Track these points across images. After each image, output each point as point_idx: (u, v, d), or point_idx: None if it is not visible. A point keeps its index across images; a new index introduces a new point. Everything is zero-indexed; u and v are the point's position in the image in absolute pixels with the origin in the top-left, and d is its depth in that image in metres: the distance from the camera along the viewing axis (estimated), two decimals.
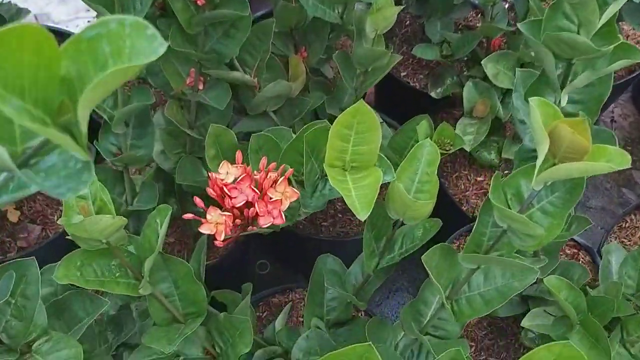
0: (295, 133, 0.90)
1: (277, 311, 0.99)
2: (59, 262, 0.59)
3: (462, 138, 0.88)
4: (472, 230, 0.57)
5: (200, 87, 0.82)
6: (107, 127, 0.78)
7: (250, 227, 0.56)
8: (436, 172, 0.61)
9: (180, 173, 0.82)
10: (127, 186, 0.83)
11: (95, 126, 0.81)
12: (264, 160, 0.57)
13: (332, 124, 0.68)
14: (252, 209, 0.54)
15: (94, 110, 0.81)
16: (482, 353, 0.97)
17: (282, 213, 0.55)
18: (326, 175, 0.65)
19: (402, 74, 1.28)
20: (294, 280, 1.22)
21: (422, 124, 0.84)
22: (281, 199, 0.55)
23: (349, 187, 0.56)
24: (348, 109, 0.54)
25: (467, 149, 0.97)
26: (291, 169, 0.57)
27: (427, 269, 0.57)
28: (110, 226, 0.58)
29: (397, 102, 1.26)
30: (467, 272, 0.60)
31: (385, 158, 0.60)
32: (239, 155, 0.58)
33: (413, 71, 1.28)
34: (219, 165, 0.79)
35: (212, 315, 0.71)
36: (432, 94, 1.15)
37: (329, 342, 0.70)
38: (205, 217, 0.55)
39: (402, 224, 0.62)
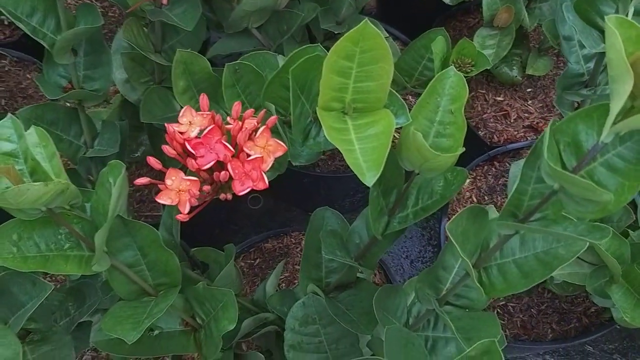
0: (284, 55, 0.76)
1: (270, 258, 0.88)
2: None
3: (485, 56, 0.73)
4: (511, 190, 0.44)
5: (164, 1, 0.67)
6: (51, 57, 0.63)
7: (223, 194, 0.43)
8: (463, 110, 0.47)
9: (147, 109, 0.68)
10: (84, 126, 0.69)
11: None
12: (237, 106, 0.44)
13: (326, 47, 0.53)
14: (224, 171, 0.41)
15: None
16: (501, 298, 0.87)
17: (265, 174, 0.42)
18: None
19: None
20: (289, 216, 1.11)
21: (438, 41, 0.69)
22: (262, 156, 0.42)
23: (350, 139, 0.42)
24: (348, 33, 0.40)
25: (488, 66, 0.82)
26: (274, 117, 0.44)
27: (451, 238, 0.45)
28: (45, 194, 0.45)
29: (403, 9, 1.09)
30: (501, 237, 0.47)
31: (397, 94, 0.46)
32: (203, 100, 0.44)
33: None
34: (190, 100, 0.66)
35: (191, 282, 0.60)
36: (446, 0, 0.98)
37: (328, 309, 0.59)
38: (163, 182, 0.42)
39: (418, 173, 0.50)
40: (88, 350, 0.81)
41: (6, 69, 0.99)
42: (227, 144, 0.41)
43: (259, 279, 0.86)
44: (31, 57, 1.00)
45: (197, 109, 0.72)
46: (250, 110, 0.44)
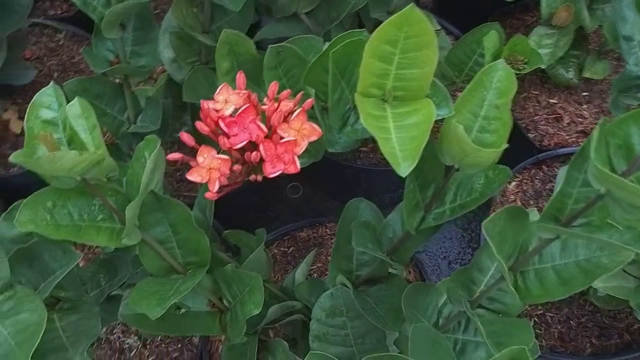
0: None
1: (304, 247, 0.87)
2: (23, 202, 0.48)
3: (539, 53, 0.70)
4: (555, 191, 0.42)
5: None
6: (100, 31, 0.64)
7: (253, 175, 0.42)
8: (509, 106, 0.45)
9: (190, 88, 0.68)
10: (128, 101, 0.70)
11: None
12: (273, 86, 0.43)
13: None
14: (256, 152, 0.40)
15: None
16: (539, 306, 0.84)
17: (297, 158, 0.41)
18: None
19: None
20: (327, 206, 1.09)
21: (491, 35, 0.66)
22: (296, 140, 0.41)
23: (387, 127, 0.41)
24: (391, 17, 0.39)
25: (542, 65, 0.79)
26: (310, 100, 0.43)
27: (487, 237, 0.43)
28: (80, 164, 0.45)
29: (459, 3, 1.06)
30: (541, 241, 0.45)
31: (441, 85, 0.44)
32: (240, 78, 0.43)
33: None
34: (232, 83, 0.65)
35: (220, 264, 0.60)
36: None
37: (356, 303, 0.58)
38: (195, 159, 0.42)
39: (458, 169, 0.48)
40: (119, 324, 0.83)
41: (61, 42, 1.01)
42: (261, 124, 0.41)
43: (291, 267, 0.85)
44: (85, 33, 1.02)
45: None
46: (286, 92, 0.43)
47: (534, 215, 0.51)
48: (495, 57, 0.68)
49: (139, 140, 0.74)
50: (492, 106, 0.46)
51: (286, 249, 0.87)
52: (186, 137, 0.42)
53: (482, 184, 0.49)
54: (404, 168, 0.38)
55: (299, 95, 0.43)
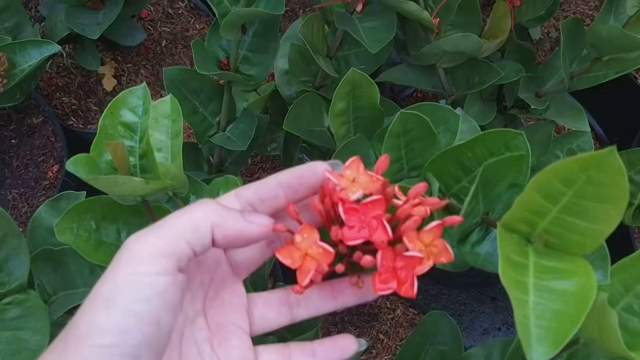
0: (463, 108, 0.65)
1: (356, 312, 0.78)
2: (68, 208, 0.41)
3: None
4: None
5: (358, 8, 0.58)
6: (218, 27, 0.57)
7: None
8: None
9: (293, 116, 0.60)
10: (224, 107, 0.63)
11: None
12: (420, 189, 0.32)
13: (512, 115, 0.41)
14: (368, 256, 0.31)
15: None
16: None
17: (416, 280, 0.32)
18: (490, 226, 0.40)
19: None
20: None
21: None
22: (423, 257, 0.31)
23: (524, 281, 0.31)
24: (581, 155, 0.29)
25: None
26: (457, 218, 0.32)
27: None
28: (143, 189, 0.38)
29: (611, 100, 0.93)
30: None
31: (606, 247, 0.34)
32: (384, 161, 0.33)
33: None
34: (342, 125, 0.57)
35: None
36: None
37: None
38: (293, 237, 0.33)
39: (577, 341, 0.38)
40: None
41: (180, 11, 0.95)
42: (388, 226, 0.31)
43: (336, 330, 0.76)
44: (207, 8, 0.97)
45: (346, 132, 0.63)
46: (423, 186, 0.33)
47: None
48: None
49: (221, 151, 0.67)
50: None
51: None
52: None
53: None
54: (536, 354, 0.28)
55: (442, 202, 0.33)
